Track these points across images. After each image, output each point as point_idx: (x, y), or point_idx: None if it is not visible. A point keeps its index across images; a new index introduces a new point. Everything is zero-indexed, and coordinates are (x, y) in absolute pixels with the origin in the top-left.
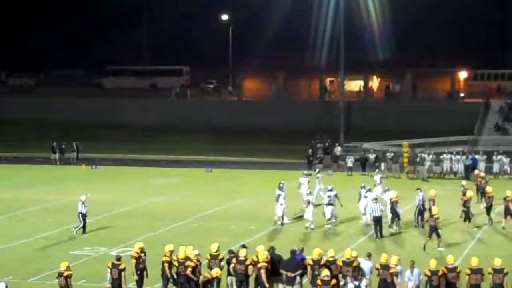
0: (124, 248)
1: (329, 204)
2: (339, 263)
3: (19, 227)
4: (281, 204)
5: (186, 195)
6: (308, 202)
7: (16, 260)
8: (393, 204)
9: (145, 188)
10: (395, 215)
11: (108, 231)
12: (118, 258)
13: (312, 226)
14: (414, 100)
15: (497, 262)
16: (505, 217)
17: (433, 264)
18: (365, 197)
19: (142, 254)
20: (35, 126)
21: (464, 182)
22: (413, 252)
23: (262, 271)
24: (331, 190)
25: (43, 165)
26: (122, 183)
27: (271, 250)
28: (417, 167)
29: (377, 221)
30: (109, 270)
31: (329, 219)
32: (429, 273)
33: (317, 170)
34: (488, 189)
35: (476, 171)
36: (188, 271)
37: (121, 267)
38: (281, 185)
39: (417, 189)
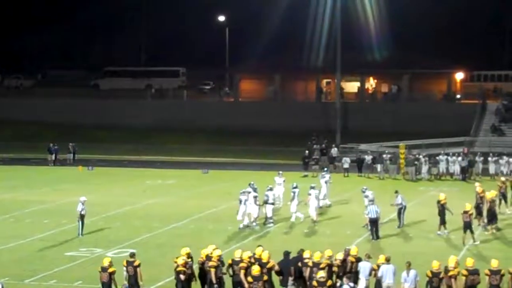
0: (120, 250)
1: (271, 203)
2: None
3: (15, 228)
4: (257, 205)
5: (183, 196)
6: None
7: (13, 261)
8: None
9: (141, 189)
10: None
11: (104, 232)
12: (132, 255)
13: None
14: (410, 101)
15: (494, 264)
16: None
17: (435, 265)
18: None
19: (189, 260)
20: (32, 127)
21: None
22: (408, 254)
23: (242, 272)
24: (296, 187)
25: (39, 166)
26: (118, 184)
27: (300, 252)
28: (407, 168)
29: (373, 222)
30: (124, 268)
31: (270, 217)
32: (430, 274)
33: (325, 169)
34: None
35: (502, 177)
36: (212, 273)
37: (136, 263)
38: (253, 186)
39: (395, 192)
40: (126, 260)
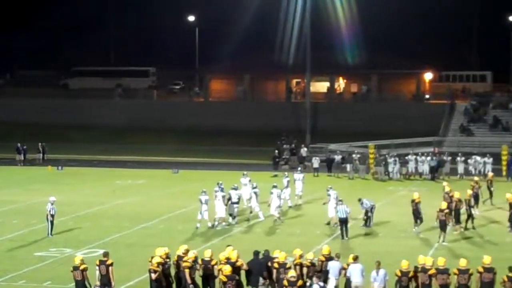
0: (90, 250)
1: (234, 202)
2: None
3: None
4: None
5: (153, 196)
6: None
7: None
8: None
9: (111, 190)
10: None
11: (74, 232)
12: (105, 254)
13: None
14: (380, 101)
15: (462, 263)
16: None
17: (404, 264)
18: (329, 195)
19: (168, 260)
20: (1, 127)
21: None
22: (378, 254)
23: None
24: (255, 187)
25: (8, 166)
26: (88, 184)
27: (266, 252)
28: (376, 168)
29: (343, 222)
30: (97, 267)
31: (234, 217)
32: (399, 274)
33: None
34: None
35: (476, 177)
36: (186, 273)
37: (108, 262)
38: (221, 186)
39: (359, 200)
40: (99, 260)
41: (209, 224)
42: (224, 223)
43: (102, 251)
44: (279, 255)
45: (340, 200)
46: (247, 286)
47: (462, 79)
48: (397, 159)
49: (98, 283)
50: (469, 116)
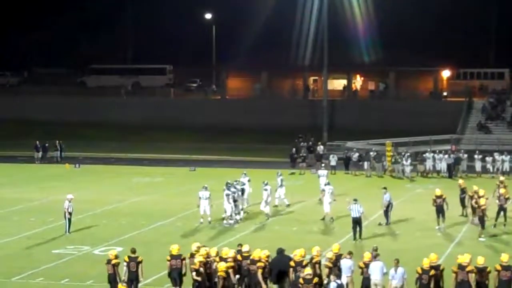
0: (107, 247)
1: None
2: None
3: (2, 226)
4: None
5: (170, 194)
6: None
7: None
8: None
9: (128, 187)
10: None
11: (91, 230)
12: (134, 251)
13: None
14: (397, 99)
15: (480, 261)
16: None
17: (425, 262)
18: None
19: (209, 259)
20: (19, 125)
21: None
22: (396, 251)
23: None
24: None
25: (26, 164)
26: (105, 182)
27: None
28: (394, 166)
29: (356, 222)
30: (125, 263)
31: (229, 216)
32: (420, 271)
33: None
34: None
35: (501, 177)
36: (259, 272)
37: (139, 259)
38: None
39: (384, 188)
40: (128, 256)
41: (208, 219)
42: (230, 221)
43: (119, 249)
44: (296, 253)
45: (355, 200)
46: (272, 284)
47: (479, 76)
48: (408, 159)
49: (124, 278)
50: (487, 114)
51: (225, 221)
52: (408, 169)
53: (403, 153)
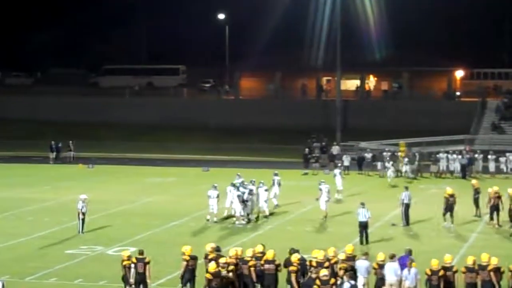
0: (121, 247)
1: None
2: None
3: (16, 226)
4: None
5: (183, 194)
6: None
7: (13, 259)
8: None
9: (141, 187)
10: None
11: (104, 230)
12: (141, 252)
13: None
14: (411, 99)
15: (490, 259)
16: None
17: (434, 263)
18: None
19: (238, 260)
20: (32, 125)
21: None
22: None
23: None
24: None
25: (40, 164)
26: (118, 182)
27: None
28: (408, 166)
29: (363, 226)
30: (133, 265)
31: (241, 216)
32: (429, 272)
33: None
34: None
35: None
36: (293, 277)
37: (147, 260)
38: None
39: (405, 187)
40: (136, 257)
41: (214, 219)
42: (243, 222)
43: (133, 249)
44: (317, 254)
45: (362, 203)
46: (287, 283)
47: (493, 76)
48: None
49: (132, 280)
50: (501, 114)
51: (237, 222)
52: (408, 168)
53: (417, 153)
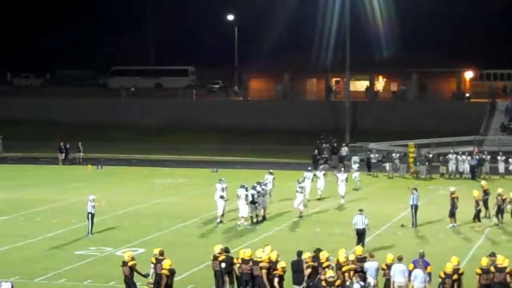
0: (130, 248)
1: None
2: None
3: (25, 227)
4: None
5: (192, 195)
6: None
7: (22, 260)
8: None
9: (150, 188)
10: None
11: (113, 231)
12: (162, 253)
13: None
14: (420, 100)
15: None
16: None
17: (448, 267)
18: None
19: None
20: (41, 127)
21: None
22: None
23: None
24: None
25: (49, 165)
26: (127, 183)
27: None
28: (417, 167)
29: (360, 234)
30: (152, 265)
31: (249, 217)
32: (443, 275)
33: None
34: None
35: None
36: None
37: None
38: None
39: (413, 188)
40: (156, 258)
41: (219, 220)
42: (246, 223)
43: (141, 250)
44: (340, 255)
45: (360, 210)
46: (293, 285)
47: (503, 77)
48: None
49: (151, 280)
50: (510, 115)
51: (246, 223)
52: (402, 167)
53: (427, 154)
